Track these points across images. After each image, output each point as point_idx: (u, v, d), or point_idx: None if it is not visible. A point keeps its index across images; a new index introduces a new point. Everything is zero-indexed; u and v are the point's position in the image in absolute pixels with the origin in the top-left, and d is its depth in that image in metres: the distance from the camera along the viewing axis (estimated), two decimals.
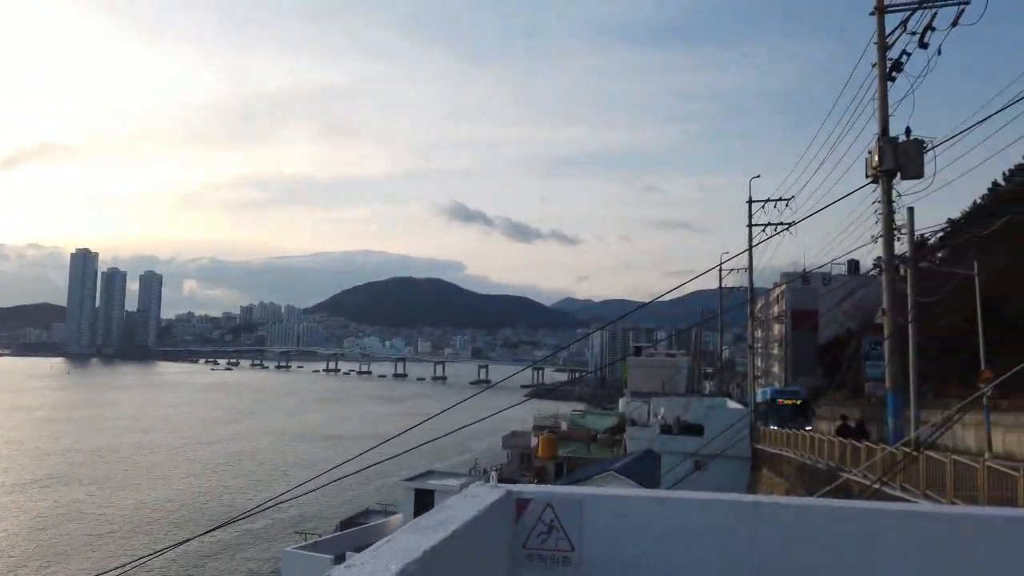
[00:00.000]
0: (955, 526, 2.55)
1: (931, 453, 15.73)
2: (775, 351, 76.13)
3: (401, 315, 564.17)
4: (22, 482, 59.82)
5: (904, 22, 18.51)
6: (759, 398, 44.93)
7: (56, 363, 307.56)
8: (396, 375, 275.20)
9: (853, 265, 48.63)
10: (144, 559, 15.99)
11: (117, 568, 17.69)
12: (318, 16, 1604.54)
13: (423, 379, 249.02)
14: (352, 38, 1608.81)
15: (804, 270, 53.09)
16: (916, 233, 19.79)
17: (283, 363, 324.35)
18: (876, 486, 14.71)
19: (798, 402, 39.34)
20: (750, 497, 2.77)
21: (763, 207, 42.07)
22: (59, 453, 74.27)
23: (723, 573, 2.59)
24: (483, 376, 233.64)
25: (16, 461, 69.28)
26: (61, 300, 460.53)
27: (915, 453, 15.68)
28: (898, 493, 15.47)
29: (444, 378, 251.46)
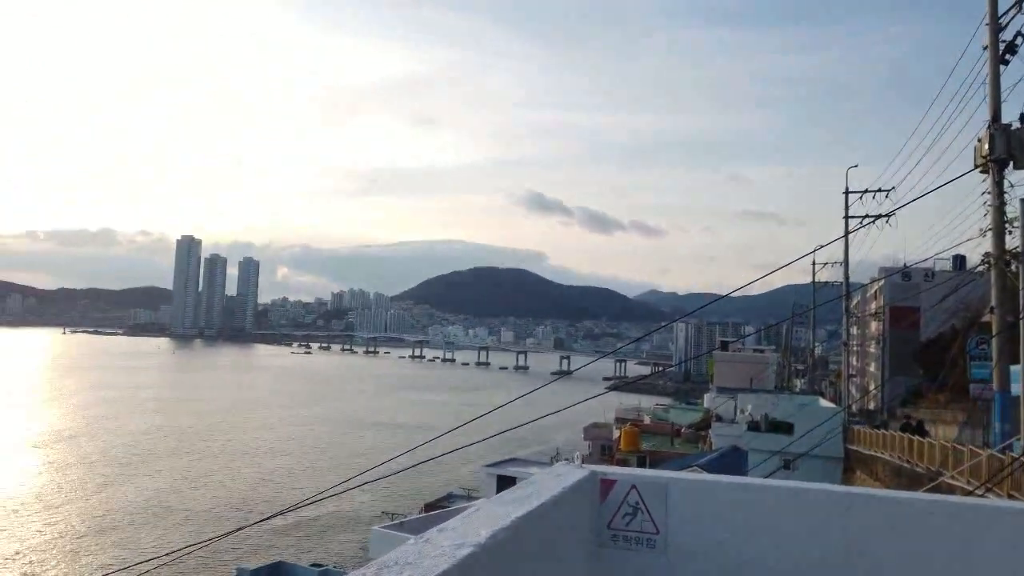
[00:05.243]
0: None
1: None
2: (872, 349, 72.88)
3: (484, 304, 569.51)
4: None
5: (1019, 1, 17.33)
6: None
7: (162, 343, 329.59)
8: (479, 363, 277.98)
9: (959, 260, 45.97)
10: (229, 534, 16.81)
11: (208, 540, 18.69)
12: (400, 2, 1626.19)
13: (505, 368, 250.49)
14: (436, 25, 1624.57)
15: (905, 264, 50.58)
16: None
17: (371, 348, 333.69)
18: (979, 492, 13.94)
19: None
20: (842, 488, 2.71)
21: (860, 198, 40.14)
22: (170, 434, 79.04)
23: (812, 561, 2.54)
24: (565, 367, 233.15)
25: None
26: (167, 284, 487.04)
27: None
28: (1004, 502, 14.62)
29: (526, 368, 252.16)
